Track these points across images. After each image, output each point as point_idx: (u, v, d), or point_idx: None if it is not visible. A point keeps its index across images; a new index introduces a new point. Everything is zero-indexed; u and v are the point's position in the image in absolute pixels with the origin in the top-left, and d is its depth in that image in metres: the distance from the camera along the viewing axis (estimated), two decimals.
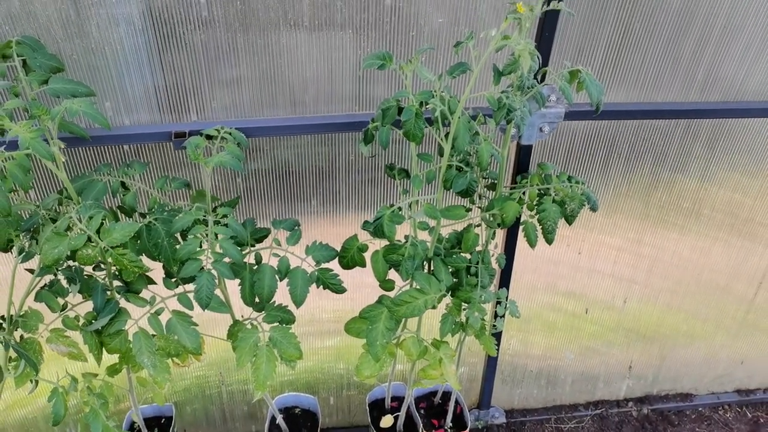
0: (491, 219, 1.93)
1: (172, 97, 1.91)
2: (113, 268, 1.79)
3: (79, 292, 1.78)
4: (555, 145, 2.25)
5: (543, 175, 1.95)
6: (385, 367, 2.05)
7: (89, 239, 1.58)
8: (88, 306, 1.80)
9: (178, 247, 1.70)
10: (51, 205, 1.74)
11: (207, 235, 1.68)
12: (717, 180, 2.47)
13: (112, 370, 2.00)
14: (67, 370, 1.97)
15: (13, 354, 1.83)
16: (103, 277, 1.81)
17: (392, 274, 1.92)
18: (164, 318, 1.80)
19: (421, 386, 2.24)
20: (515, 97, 1.69)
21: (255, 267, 1.82)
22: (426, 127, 1.69)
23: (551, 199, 1.89)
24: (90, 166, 1.99)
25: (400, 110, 1.70)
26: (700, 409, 3.20)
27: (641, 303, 2.80)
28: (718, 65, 2.15)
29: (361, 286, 2.17)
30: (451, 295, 1.98)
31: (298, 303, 1.82)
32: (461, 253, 1.96)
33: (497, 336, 2.61)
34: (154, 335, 1.83)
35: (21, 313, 1.82)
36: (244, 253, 1.80)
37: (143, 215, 1.77)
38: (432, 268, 1.93)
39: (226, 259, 1.69)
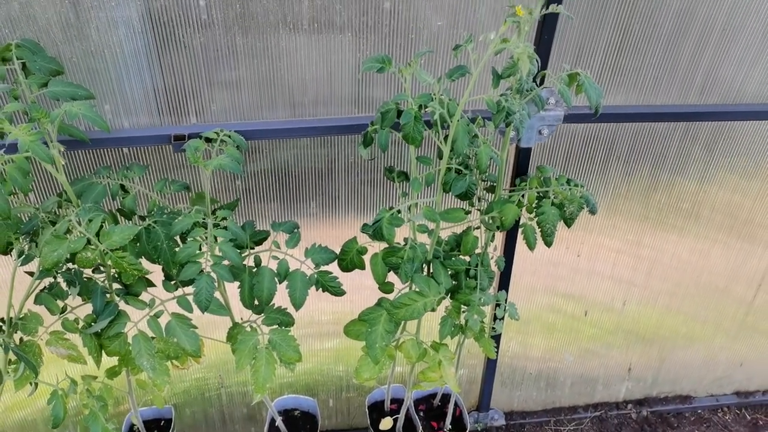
0: (490, 222, 1.94)
1: (171, 100, 1.91)
2: (113, 270, 1.79)
3: (79, 294, 1.78)
4: (554, 148, 2.25)
5: (542, 178, 1.95)
6: (385, 369, 2.05)
7: (89, 242, 1.58)
8: (88, 308, 1.80)
9: (177, 249, 1.70)
10: (50, 208, 1.74)
11: (206, 237, 1.68)
12: (716, 182, 2.47)
13: (112, 373, 2.00)
14: (66, 373, 1.97)
15: (12, 357, 1.83)
16: (102, 279, 1.82)
17: (391, 277, 1.93)
18: (164, 320, 1.80)
19: (421, 388, 2.24)
20: (514, 100, 1.69)
21: (254, 270, 1.82)
22: (425, 130, 1.69)
23: (550, 202, 1.89)
24: (89, 169, 1.99)
25: (399, 113, 1.70)
26: (699, 411, 3.20)
27: (640, 305, 2.80)
28: (717, 68, 2.15)
29: (361, 288, 2.17)
30: (451, 298, 1.98)
31: (298, 306, 1.82)
32: (460, 256, 1.97)
33: (496, 338, 2.61)
34: (153, 338, 1.83)
35: (21, 316, 1.82)
36: (243, 255, 1.80)
37: (143, 218, 1.77)
38: (431, 271, 1.94)
39: (226, 262, 1.69)
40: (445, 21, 1.90)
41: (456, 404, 2.50)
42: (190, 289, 1.73)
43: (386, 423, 2.43)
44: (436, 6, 1.86)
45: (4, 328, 1.82)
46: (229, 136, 1.79)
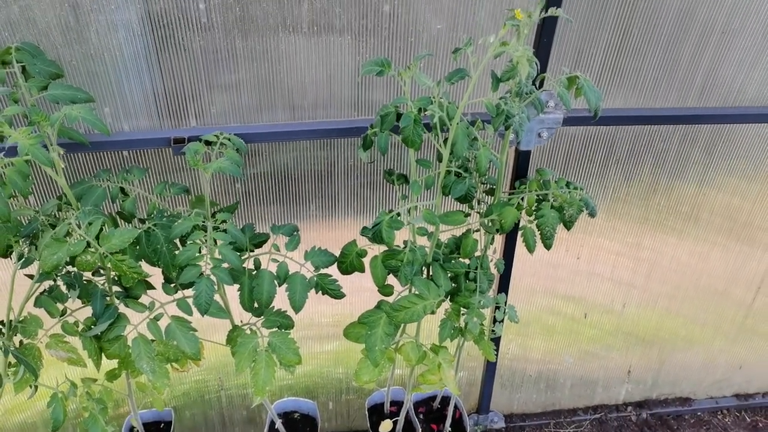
0: (490, 224, 1.94)
1: (171, 103, 1.91)
2: (112, 273, 1.79)
3: (79, 297, 1.78)
4: (553, 150, 2.25)
5: (541, 181, 1.95)
6: (384, 372, 2.05)
7: (88, 245, 1.58)
8: (88, 311, 1.80)
9: (177, 252, 1.70)
10: (50, 211, 1.74)
11: (206, 240, 1.68)
12: (715, 184, 2.47)
13: (111, 375, 2.00)
14: (66, 375, 1.97)
15: (12, 360, 1.83)
16: (102, 282, 1.82)
17: (391, 280, 1.93)
18: (163, 323, 1.80)
19: (420, 391, 2.24)
20: (513, 104, 1.69)
21: (254, 272, 1.83)
22: (425, 133, 1.69)
23: (550, 204, 1.89)
24: (89, 172, 2.00)
25: (398, 116, 1.70)
26: (699, 413, 3.20)
27: (640, 307, 2.80)
28: (717, 70, 2.15)
29: (360, 290, 2.17)
30: (450, 300, 1.99)
31: (297, 308, 1.83)
32: (460, 259, 1.97)
33: (496, 341, 2.61)
34: (153, 340, 1.83)
35: (20, 319, 1.82)
36: (243, 258, 1.80)
37: (142, 221, 1.77)
38: (431, 274, 1.94)
39: (225, 265, 1.69)
40: (444, 24, 1.90)
41: (456, 407, 2.50)
42: (189, 292, 1.73)
43: (386, 425, 2.43)
44: (436, 9, 1.87)
45: (3, 331, 1.82)
46: (229, 139, 1.79)
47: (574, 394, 3.08)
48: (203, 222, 1.71)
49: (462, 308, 1.96)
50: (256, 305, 1.84)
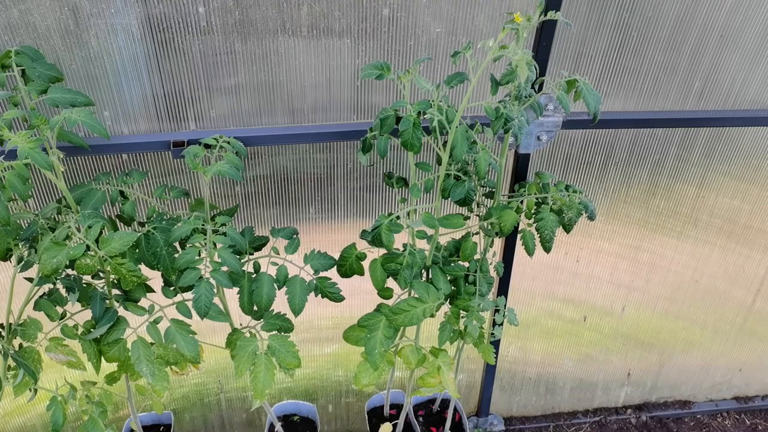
0: (489, 228, 1.94)
1: (170, 106, 1.91)
2: (112, 277, 1.79)
3: (78, 300, 1.78)
4: (553, 153, 2.25)
5: (541, 184, 1.96)
6: (384, 375, 2.05)
7: (88, 249, 1.58)
8: (87, 315, 1.80)
9: (176, 256, 1.70)
10: (50, 214, 1.74)
11: (205, 244, 1.68)
12: (715, 186, 2.47)
13: (111, 379, 2.00)
14: (65, 378, 1.97)
15: (12, 363, 1.83)
16: (101, 285, 1.82)
17: (391, 283, 1.93)
18: (163, 326, 1.80)
19: (420, 394, 2.24)
20: (513, 107, 1.69)
21: (253, 276, 1.83)
22: (424, 136, 1.69)
23: (549, 208, 1.89)
24: (89, 175, 2.00)
25: (398, 120, 1.71)
26: (698, 416, 3.20)
27: (639, 310, 2.81)
28: (716, 74, 2.15)
29: (360, 292, 2.17)
30: (450, 304, 1.99)
31: (297, 312, 1.83)
32: (459, 262, 1.97)
33: (495, 344, 2.61)
34: (152, 344, 1.83)
35: (20, 322, 1.82)
36: (242, 261, 1.80)
37: (142, 224, 1.78)
38: (430, 277, 1.94)
39: (225, 268, 1.69)
40: (443, 28, 1.90)
41: (455, 409, 2.50)
42: (189, 295, 1.73)
43: (386, 428, 2.42)
44: (435, 13, 1.87)
45: (3, 334, 1.82)
46: (228, 143, 1.79)
47: (573, 397, 3.08)
48: (203, 225, 1.71)
49: (461, 311, 1.97)
50: (255, 308, 1.84)
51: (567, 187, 1.90)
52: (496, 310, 2.10)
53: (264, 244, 1.90)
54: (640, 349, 2.94)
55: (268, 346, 1.85)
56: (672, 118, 2.19)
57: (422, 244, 1.91)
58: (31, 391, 1.85)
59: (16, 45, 1.69)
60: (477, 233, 1.97)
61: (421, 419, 2.55)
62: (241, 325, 1.94)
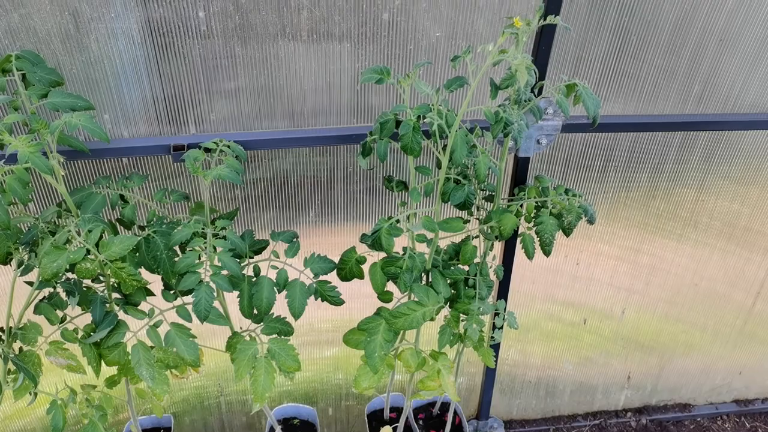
0: (489, 231, 1.94)
1: (170, 110, 1.92)
2: (112, 280, 1.79)
3: (78, 304, 1.78)
4: (552, 156, 2.26)
5: (540, 188, 1.96)
6: (384, 378, 2.05)
7: (88, 253, 1.59)
8: (87, 318, 1.80)
9: (176, 259, 1.70)
10: (50, 218, 1.74)
11: (206, 247, 1.69)
12: (714, 189, 2.48)
13: (111, 382, 2.00)
14: (65, 381, 1.97)
15: (12, 366, 1.83)
16: (101, 289, 1.82)
17: (390, 286, 1.93)
18: (163, 330, 1.80)
19: (420, 397, 2.24)
20: (512, 111, 1.69)
21: (253, 279, 1.83)
22: (424, 140, 1.70)
23: (548, 211, 1.90)
24: (89, 179, 2.00)
25: (398, 124, 1.71)
26: (698, 419, 3.20)
27: (639, 313, 2.81)
28: (715, 77, 2.16)
29: (360, 295, 2.17)
30: (450, 307, 1.99)
31: (297, 315, 1.83)
32: (459, 265, 1.97)
33: (495, 347, 2.61)
34: (152, 347, 1.83)
35: (20, 326, 1.82)
36: (242, 265, 1.80)
37: (142, 228, 1.78)
38: (430, 280, 1.94)
39: (225, 272, 1.69)
40: (443, 32, 1.90)
41: (455, 413, 2.50)
42: (189, 299, 1.73)
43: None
44: (435, 17, 1.87)
45: (3, 337, 1.82)
46: (228, 146, 1.79)
47: (573, 400, 3.08)
48: (203, 229, 1.72)
49: (461, 315, 1.97)
50: (255, 312, 1.84)
51: (567, 191, 1.90)
52: (496, 314, 2.10)
53: (264, 248, 1.90)
54: (640, 352, 2.95)
55: (268, 350, 1.85)
56: (671, 122, 2.19)
57: (422, 248, 1.91)
58: (31, 394, 1.85)
59: (17, 49, 1.69)
60: (477, 237, 1.97)
61: (421, 422, 2.55)
62: (241, 328, 1.94)
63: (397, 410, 2.53)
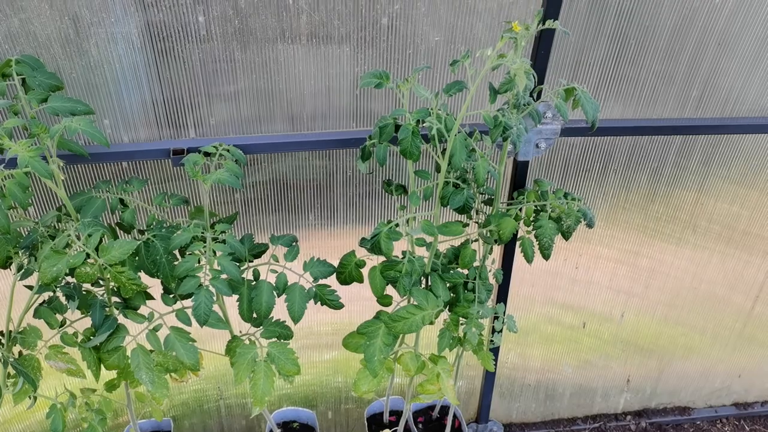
0: (488, 235, 1.94)
1: (170, 114, 1.92)
2: (111, 284, 1.79)
3: (78, 308, 1.78)
4: (552, 159, 2.26)
5: (539, 192, 1.96)
6: (383, 381, 2.05)
7: (88, 257, 1.59)
8: (87, 322, 1.81)
9: (176, 263, 1.71)
10: (50, 222, 1.75)
11: (205, 251, 1.69)
12: (714, 192, 2.48)
13: (110, 386, 2.00)
14: (65, 385, 1.97)
15: (11, 370, 1.83)
16: (101, 293, 1.82)
17: (390, 290, 1.93)
18: (162, 334, 1.80)
19: (419, 401, 2.24)
20: (511, 115, 1.70)
21: (253, 283, 1.83)
22: (423, 144, 1.70)
23: (548, 215, 1.90)
24: (89, 183, 2.00)
25: (397, 128, 1.71)
26: (698, 422, 3.20)
27: (639, 316, 2.81)
28: (714, 81, 2.16)
29: (359, 299, 2.17)
30: (449, 311, 1.99)
31: (296, 319, 1.83)
32: (458, 269, 1.97)
33: (495, 351, 2.61)
34: (152, 351, 1.83)
35: (20, 330, 1.83)
36: (242, 269, 1.80)
37: (142, 232, 1.78)
38: (429, 284, 1.94)
39: (224, 276, 1.70)
40: (442, 36, 1.91)
41: (455, 416, 2.50)
42: (188, 303, 1.73)
43: None
44: (434, 22, 1.88)
45: (3, 341, 1.82)
46: (228, 150, 1.79)
47: (573, 404, 3.08)
48: (202, 233, 1.72)
49: (461, 318, 1.97)
50: (255, 316, 1.85)
51: (566, 195, 1.90)
52: (496, 317, 2.10)
53: (263, 252, 1.91)
54: (639, 355, 2.95)
55: (268, 354, 1.85)
56: (670, 125, 2.19)
57: (421, 252, 1.91)
58: (30, 398, 1.86)
59: (17, 54, 1.69)
60: (476, 240, 1.97)
61: (420, 426, 2.55)
62: (240, 332, 1.94)
63: (396, 414, 2.53)
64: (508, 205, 2.03)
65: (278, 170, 2.11)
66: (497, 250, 2.35)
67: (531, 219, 1.94)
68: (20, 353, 1.86)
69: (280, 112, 1.98)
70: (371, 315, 1.94)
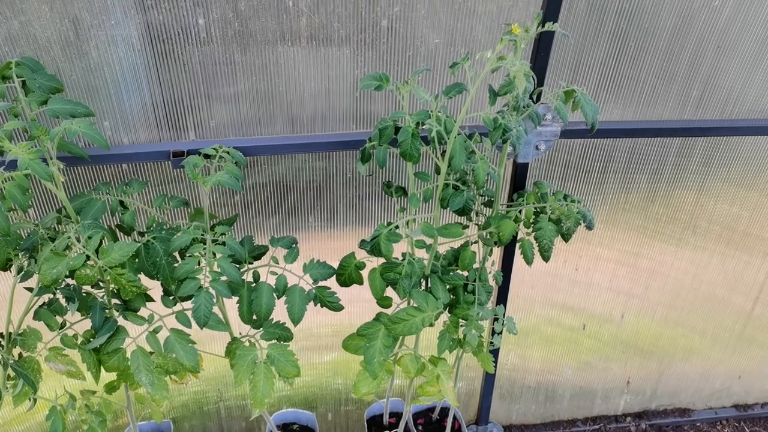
0: (488, 237, 1.94)
1: (170, 116, 1.92)
2: (111, 286, 1.79)
3: (78, 310, 1.78)
4: (552, 161, 2.26)
5: (539, 194, 1.96)
6: (383, 383, 2.06)
7: (88, 259, 1.59)
8: (87, 324, 1.81)
9: (176, 265, 1.71)
10: (50, 224, 1.75)
11: (205, 253, 1.69)
12: (714, 193, 2.48)
13: (110, 388, 2.00)
14: (65, 387, 1.97)
15: (11, 372, 1.83)
16: (101, 295, 1.82)
17: (390, 292, 1.93)
18: (162, 336, 1.80)
19: (419, 402, 2.24)
20: (511, 117, 1.70)
21: (253, 285, 1.83)
22: (423, 146, 1.70)
23: (547, 217, 1.90)
24: (89, 185, 2.00)
25: (396, 130, 1.71)
26: (698, 424, 3.20)
27: (639, 317, 2.81)
28: (713, 82, 2.16)
29: (359, 300, 2.17)
30: (449, 312, 1.99)
31: (296, 321, 1.83)
32: (458, 271, 1.97)
33: (495, 352, 2.61)
34: (152, 353, 1.83)
35: (20, 332, 1.83)
36: (242, 271, 1.81)
37: (142, 234, 1.78)
38: (429, 286, 1.94)
39: (224, 278, 1.70)
40: (442, 39, 1.91)
41: (455, 418, 2.50)
42: (188, 305, 1.74)
43: None
44: (434, 24, 1.88)
45: (3, 343, 1.82)
46: (228, 152, 1.80)
47: (573, 405, 3.08)
48: (202, 235, 1.72)
49: (461, 320, 1.97)
50: (254, 318, 1.84)
51: (565, 197, 1.90)
52: (495, 319, 2.10)
53: (263, 254, 1.91)
54: (639, 356, 2.95)
55: (268, 355, 1.85)
56: (670, 127, 2.20)
57: (421, 254, 1.91)
58: (30, 400, 1.86)
59: (17, 56, 1.70)
60: (476, 242, 1.97)
61: (420, 427, 2.55)
62: (240, 334, 1.94)
63: (396, 415, 2.53)
64: (507, 206, 2.03)
65: (278, 172, 2.11)
66: (497, 252, 2.35)
67: (531, 221, 1.94)
68: (20, 355, 1.86)
69: (280, 114, 1.98)
70: (371, 317, 1.94)
